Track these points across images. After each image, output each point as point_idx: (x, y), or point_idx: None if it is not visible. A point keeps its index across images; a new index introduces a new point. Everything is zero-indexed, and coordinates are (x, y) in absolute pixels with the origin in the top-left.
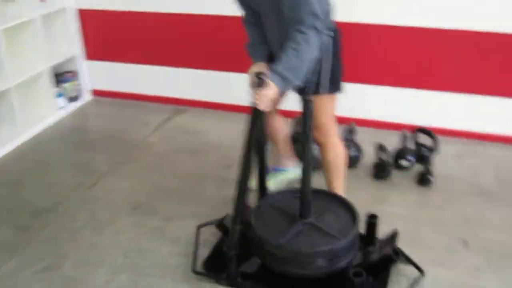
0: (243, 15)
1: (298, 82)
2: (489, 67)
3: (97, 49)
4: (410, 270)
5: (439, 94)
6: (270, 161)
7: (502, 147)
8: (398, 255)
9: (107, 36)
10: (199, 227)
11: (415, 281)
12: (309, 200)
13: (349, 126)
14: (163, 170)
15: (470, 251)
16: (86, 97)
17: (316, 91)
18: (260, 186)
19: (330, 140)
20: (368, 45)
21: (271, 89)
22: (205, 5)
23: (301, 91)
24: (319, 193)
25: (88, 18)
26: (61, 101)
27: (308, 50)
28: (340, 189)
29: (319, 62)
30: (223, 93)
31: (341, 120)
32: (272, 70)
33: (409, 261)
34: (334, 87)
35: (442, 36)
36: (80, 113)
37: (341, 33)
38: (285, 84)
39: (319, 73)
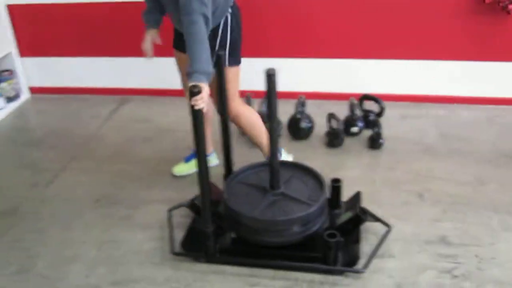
0: None
1: (212, 66)
2: (421, 33)
3: (31, 45)
4: (376, 227)
5: (379, 62)
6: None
7: (442, 106)
8: (366, 214)
9: (40, 31)
10: (170, 210)
11: (384, 236)
12: (277, 171)
13: (299, 99)
14: (120, 160)
15: (425, 203)
16: (25, 95)
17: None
18: (226, 165)
19: (242, 108)
20: (311, 20)
21: (204, 89)
22: None
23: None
24: (283, 164)
25: (18, 13)
26: (0, 102)
27: (204, 36)
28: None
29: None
30: (165, 79)
31: (290, 95)
32: (194, 71)
33: (375, 218)
34: (235, 60)
35: (372, 4)
36: (20, 113)
37: (239, 9)
38: (209, 76)
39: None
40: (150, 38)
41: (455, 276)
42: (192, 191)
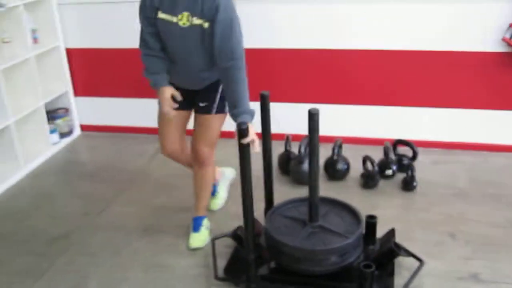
0: (145, 49)
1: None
2: (452, 83)
3: (84, 86)
4: (409, 262)
5: (413, 110)
6: None
7: (472, 153)
8: (400, 248)
9: (92, 73)
10: (213, 239)
11: (416, 270)
12: (317, 204)
13: (336, 142)
14: (166, 193)
15: (457, 243)
16: (77, 132)
17: (212, 111)
18: (267, 199)
19: (211, 159)
20: (350, 69)
21: (252, 128)
22: None
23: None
24: (322, 199)
25: (75, 56)
26: (55, 137)
27: (245, 79)
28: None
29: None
30: None
31: (328, 139)
32: (243, 112)
33: (409, 253)
34: (224, 106)
35: (408, 57)
36: (73, 148)
37: None
38: (253, 115)
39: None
40: (169, 96)
41: None
42: (232, 224)
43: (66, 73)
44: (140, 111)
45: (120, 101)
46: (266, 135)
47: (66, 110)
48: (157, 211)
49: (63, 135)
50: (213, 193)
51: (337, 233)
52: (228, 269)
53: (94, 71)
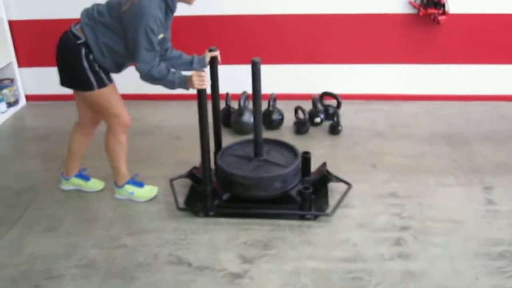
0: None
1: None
2: (370, 41)
3: (28, 56)
4: (339, 187)
5: (335, 67)
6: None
7: (389, 103)
8: (331, 175)
9: (36, 44)
10: (171, 180)
11: (346, 192)
12: (261, 142)
13: (271, 96)
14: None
15: (378, 171)
16: (22, 101)
17: None
18: (217, 143)
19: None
20: (280, 32)
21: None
22: None
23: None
24: (264, 140)
25: (18, 28)
26: (2, 106)
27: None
28: (115, 173)
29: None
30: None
31: (264, 96)
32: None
33: (338, 179)
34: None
35: (332, 20)
36: (20, 116)
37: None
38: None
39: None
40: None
41: (403, 217)
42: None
43: (10, 44)
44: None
45: None
46: (214, 93)
47: (12, 80)
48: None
49: (10, 105)
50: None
51: (279, 165)
52: (187, 202)
53: (37, 42)
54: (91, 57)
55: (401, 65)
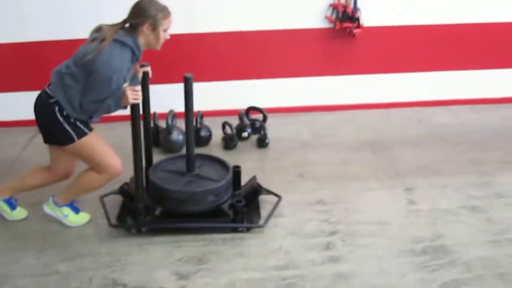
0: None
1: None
2: (290, 56)
3: None
4: (270, 199)
5: (259, 82)
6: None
7: (310, 114)
8: (261, 188)
9: None
10: (102, 196)
11: (276, 203)
12: (193, 157)
13: (198, 113)
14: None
15: (305, 180)
16: None
17: None
18: (148, 160)
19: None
20: (204, 50)
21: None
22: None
23: None
24: (196, 155)
25: None
26: None
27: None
28: (69, 195)
29: None
30: None
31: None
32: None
33: (268, 191)
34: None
35: (254, 36)
36: None
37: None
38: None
39: None
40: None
41: (331, 223)
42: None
43: None
44: (5, 105)
45: None
46: (146, 108)
47: None
48: (43, 189)
49: None
50: (77, 210)
51: (211, 179)
52: (119, 219)
53: None
54: (64, 113)
55: (321, 77)
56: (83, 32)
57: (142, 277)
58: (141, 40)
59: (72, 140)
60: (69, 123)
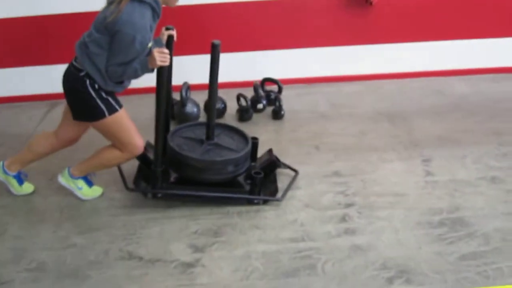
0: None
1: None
2: (306, 26)
3: None
4: (285, 171)
5: (275, 52)
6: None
7: (328, 85)
8: (279, 161)
9: None
10: None
11: (294, 178)
12: (213, 125)
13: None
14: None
15: (321, 152)
16: None
17: None
18: (165, 124)
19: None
20: (219, 21)
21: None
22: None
23: None
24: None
25: None
26: None
27: None
28: (86, 168)
29: None
30: None
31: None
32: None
33: (285, 165)
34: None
35: (267, 6)
36: None
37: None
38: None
39: None
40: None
41: (347, 195)
42: None
43: None
44: (17, 80)
45: None
46: (168, 73)
47: None
48: (60, 163)
49: None
50: (90, 184)
51: (230, 149)
52: (135, 182)
53: None
54: (96, 86)
55: (338, 47)
56: (98, 4)
57: (157, 250)
58: None
59: (103, 116)
60: (101, 99)
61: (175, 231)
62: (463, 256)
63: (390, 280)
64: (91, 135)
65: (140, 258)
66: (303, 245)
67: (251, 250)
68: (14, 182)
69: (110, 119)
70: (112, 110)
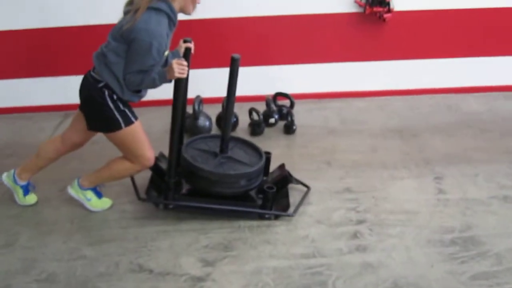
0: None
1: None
2: (318, 41)
3: None
4: (298, 187)
5: (288, 67)
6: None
7: (339, 100)
8: (292, 177)
9: None
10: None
11: (306, 193)
12: (228, 139)
13: (224, 99)
14: (75, 159)
15: (333, 168)
16: None
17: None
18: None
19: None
20: (227, 36)
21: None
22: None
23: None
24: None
25: None
26: None
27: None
28: (96, 179)
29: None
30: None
31: (215, 100)
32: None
33: (298, 181)
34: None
35: (279, 21)
36: None
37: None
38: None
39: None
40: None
41: (358, 211)
42: None
43: None
44: (30, 91)
45: (7, 83)
46: (184, 85)
47: None
48: (70, 174)
49: None
50: (100, 195)
51: (244, 163)
52: (147, 193)
53: None
54: (115, 97)
55: (350, 63)
56: (112, 17)
57: (168, 263)
58: (176, 5)
59: (119, 127)
60: (118, 109)
61: (186, 244)
62: (475, 275)
63: None
64: (102, 148)
65: (150, 271)
66: (314, 261)
67: (262, 266)
68: (20, 192)
69: (125, 131)
70: (129, 122)
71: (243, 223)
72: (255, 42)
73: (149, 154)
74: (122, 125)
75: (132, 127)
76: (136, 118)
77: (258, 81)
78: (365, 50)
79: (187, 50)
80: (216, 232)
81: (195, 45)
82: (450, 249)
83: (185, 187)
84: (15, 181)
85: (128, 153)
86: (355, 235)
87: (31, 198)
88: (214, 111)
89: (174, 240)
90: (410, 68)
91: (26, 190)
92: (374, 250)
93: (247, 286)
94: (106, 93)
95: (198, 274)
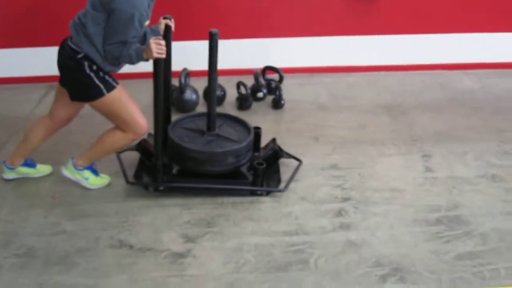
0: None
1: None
2: (310, 14)
3: None
4: (287, 162)
5: (278, 40)
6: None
7: (330, 75)
8: (282, 151)
9: None
10: (118, 153)
11: (297, 167)
12: (214, 116)
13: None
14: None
15: (320, 144)
16: None
17: None
18: (166, 117)
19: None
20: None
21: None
22: None
23: None
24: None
25: None
26: None
27: None
28: (90, 156)
29: None
30: None
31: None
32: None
33: (289, 155)
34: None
35: None
36: None
37: None
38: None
39: None
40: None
41: (344, 189)
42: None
43: None
44: (14, 61)
45: None
46: (166, 68)
47: None
48: (57, 145)
49: None
50: (96, 173)
51: (232, 140)
52: (136, 176)
53: None
54: (94, 67)
55: (341, 37)
56: None
57: (148, 239)
58: None
59: (101, 94)
60: (98, 77)
61: (168, 220)
62: (459, 255)
63: (383, 278)
64: (95, 129)
65: (131, 247)
66: (296, 238)
67: (244, 242)
68: (27, 170)
69: (109, 97)
70: (110, 88)
71: (226, 199)
72: (245, 14)
73: (141, 121)
74: (104, 91)
75: (115, 92)
76: (116, 82)
77: (248, 54)
78: (357, 24)
79: (167, 27)
80: (199, 207)
81: (182, 17)
82: (435, 228)
83: (175, 168)
84: (13, 169)
85: (118, 120)
86: (339, 213)
87: (45, 169)
88: (201, 84)
89: (156, 215)
90: (402, 44)
91: (30, 165)
92: (358, 228)
93: (228, 263)
94: (86, 64)
95: (179, 250)
